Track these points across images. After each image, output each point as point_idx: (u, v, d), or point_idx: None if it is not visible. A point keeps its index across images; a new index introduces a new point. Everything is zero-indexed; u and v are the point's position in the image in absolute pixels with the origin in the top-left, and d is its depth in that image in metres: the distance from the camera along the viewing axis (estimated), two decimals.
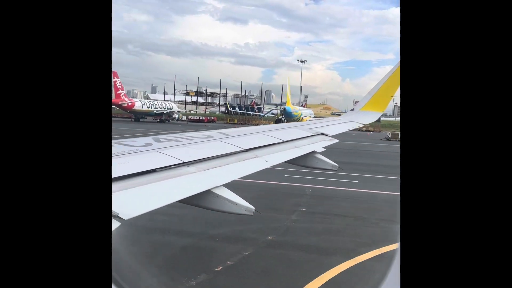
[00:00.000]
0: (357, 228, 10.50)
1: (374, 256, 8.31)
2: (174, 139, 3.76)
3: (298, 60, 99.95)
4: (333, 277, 7.34)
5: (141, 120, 68.13)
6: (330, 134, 6.22)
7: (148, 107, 67.73)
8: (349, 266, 7.84)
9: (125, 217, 2.15)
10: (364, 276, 7.62)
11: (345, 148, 29.92)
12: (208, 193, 2.91)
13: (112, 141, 3.19)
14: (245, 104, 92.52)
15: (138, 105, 67.10)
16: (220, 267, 7.47)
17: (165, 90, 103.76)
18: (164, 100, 79.64)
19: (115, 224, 2.09)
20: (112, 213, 2.10)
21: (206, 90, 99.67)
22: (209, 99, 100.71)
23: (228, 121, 74.93)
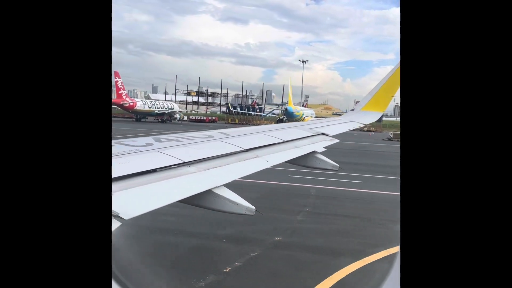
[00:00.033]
0: (364, 229, 10.47)
1: (382, 257, 8.27)
2: (175, 139, 3.76)
3: (299, 60, 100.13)
4: (342, 278, 7.31)
5: (142, 120, 68.23)
6: (331, 134, 6.21)
7: (150, 107, 67.82)
8: (358, 267, 7.81)
9: (126, 217, 2.14)
10: (374, 277, 7.60)
11: (348, 148, 29.95)
12: (208, 193, 2.91)
13: (113, 141, 3.20)
14: (246, 104, 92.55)
15: (140, 105, 67.20)
16: (228, 268, 7.45)
17: (166, 90, 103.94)
18: (165, 100, 79.74)
19: (115, 224, 2.09)
20: (113, 213, 2.09)
21: (207, 90, 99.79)
22: (210, 99, 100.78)
23: (230, 121, 74.97)
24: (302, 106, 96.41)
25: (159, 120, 68.83)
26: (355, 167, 20.24)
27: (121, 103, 63.65)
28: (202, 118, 78.05)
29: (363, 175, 18.31)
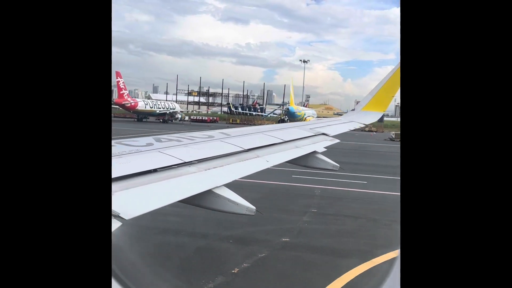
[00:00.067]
0: (370, 229, 10.43)
1: (391, 259, 8.20)
2: (175, 139, 3.77)
3: (301, 60, 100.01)
4: (352, 279, 7.27)
5: (144, 120, 68.30)
6: (331, 134, 6.21)
7: (151, 107, 67.88)
8: (367, 268, 7.77)
9: (126, 217, 2.14)
10: (384, 278, 7.53)
11: (350, 149, 29.92)
12: (209, 193, 2.91)
13: (113, 141, 3.20)
14: (248, 104, 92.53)
15: (141, 105, 67.27)
16: (236, 269, 7.43)
17: (167, 90, 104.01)
18: (166, 100, 79.81)
19: (116, 224, 2.09)
20: (113, 213, 2.09)
21: (208, 90, 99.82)
22: (210, 99, 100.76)
23: (231, 121, 74.95)
24: (304, 106, 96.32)
25: (161, 120, 68.90)
26: (359, 167, 20.22)
27: (123, 103, 63.72)
28: (203, 118, 78.09)
29: (367, 175, 18.28)
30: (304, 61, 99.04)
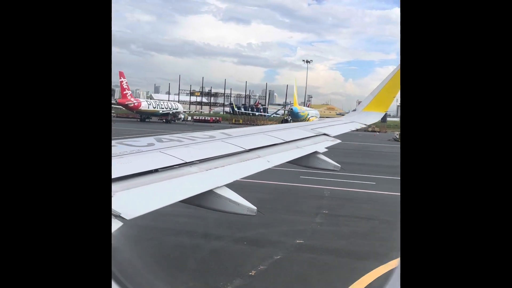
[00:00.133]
0: (384, 231, 10.34)
1: None
2: (176, 139, 3.77)
3: (303, 60, 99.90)
4: (371, 282, 7.19)
5: (146, 120, 68.45)
6: (333, 135, 6.20)
7: (154, 107, 68.00)
8: (385, 271, 7.66)
9: (127, 217, 2.15)
10: None
11: (355, 149, 29.82)
12: (210, 193, 2.92)
13: (115, 141, 3.21)
14: (250, 104, 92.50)
15: (144, 105, 67.41)
16: (253, 272, 7.39)
17: (169, 90, 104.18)
18: (169, 101, 79.96)
19: (117, 224, 2.09)
20: (114, 213, 2.10)
21: (211, 90, 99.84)
22: (212, 99, 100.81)
23: (234, 122, 74.95)
24: (306, 106, 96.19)
25: (164, 120, 69.01)
26: (366, 168, 20.20)
27: (126, 103, 63.89)
28: (206, 119, 78.16)
29: (375, 176, 18.20)
30: (307, 61, 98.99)
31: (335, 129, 6.73)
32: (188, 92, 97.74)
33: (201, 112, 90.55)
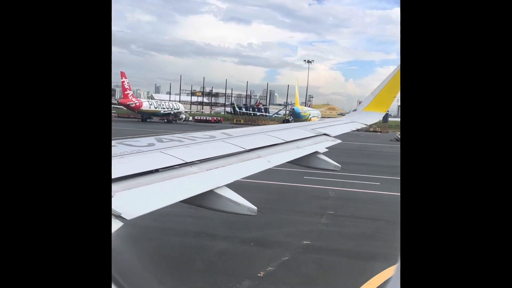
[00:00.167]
0: (391, 232, 10.24)
1: None
2: (177, 139, 3.78)
3: (304, 60, 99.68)
4: (382, 283, 7.12)
5: (148, 120, 68.52)
6: (333, 135, 6.21)
7: (156, 108, 68.05)
8: (394, 273, 7.60)
9: (128, 217, 2.15)
10: None
11: (357, 149, 29.76)
12: (210, 193, 2.92)
13: (115, 141, 3.21)
14: (251, 104, 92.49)
15: (146, 105, 67.46)
16: (262, 273, 7.35)
17: (170, 91, 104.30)
18: (170, 101, 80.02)
19: (118, 224, 2.09)
20: (115, 213, 2.10)
21: (212, 90, 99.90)
22: (213, 99, 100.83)
23: (235, 122, 74.94)
24: (308, 106, 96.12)
25: (165, 120, 69.08)
26: (371, 168, 20.19)
27: (128, 103, 63.96)
28: (207, 119, 78.17)
29: (379, 176, 18.16)
30: (308, 61, 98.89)
31: (335, 129, 6.74)
32: (188, 92, 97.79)
33: (202, 112, 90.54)
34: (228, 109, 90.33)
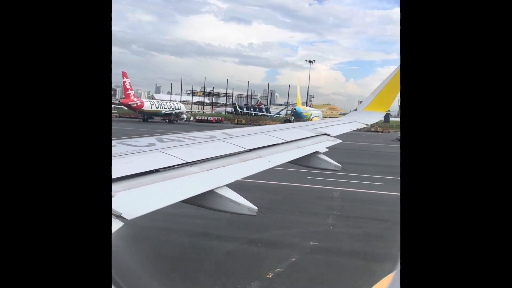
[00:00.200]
0: (398, 233, 10.20)
1: None
2: (177, 139, 3.79)
3: (306, 60, 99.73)
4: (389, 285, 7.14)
5: (149, 120, 68.60)
6: (333, 135, 6.21)
7: (157, 108, 68.10)
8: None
9: (128, 217, 2.15)
10: None
11: (360, 150, 29.71)
12: (211, 193, 2.93)
13: (115, 141, 3.22)
14: (252, 104, 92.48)
15: (147, 105, 67.51)
16: (271, 274, 7.33)
17: (171, 91, 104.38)
18: (171, 101, 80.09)
19: (118, 224, 2.09)
20: (116, 213, 2.10)
21: (213, 90, 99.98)
22: (214, 99, 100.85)
23: (236, 122, 74.93)
24: (309, 106, 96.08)
25: (166, 120, 69.14)
26: (374, 168, 20.18)
27: (129, 103, 64.02)
28: (208, 119, 78.20)
29: (383, 176, 18.11)
30: (310, 61, 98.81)
31: (336, 129, 6.73)
32: (189, 92, 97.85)
33: (203, 112, 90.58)
34: (229, 109, 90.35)
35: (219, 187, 2.99)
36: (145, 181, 2.65)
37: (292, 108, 75.45)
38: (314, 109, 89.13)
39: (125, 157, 2.92)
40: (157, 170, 2.88)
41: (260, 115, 79.08)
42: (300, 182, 15.59)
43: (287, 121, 65.36)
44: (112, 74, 1.54)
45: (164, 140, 3.69)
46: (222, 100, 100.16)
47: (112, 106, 69.81)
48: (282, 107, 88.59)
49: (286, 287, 7.00)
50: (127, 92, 64.84)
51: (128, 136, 4.02)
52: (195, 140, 3.95)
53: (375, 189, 15.43)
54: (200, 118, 78.49)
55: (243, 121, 74.77)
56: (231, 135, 4.53)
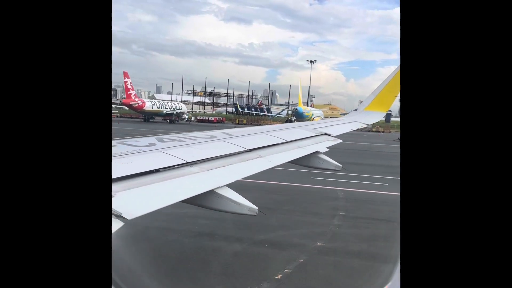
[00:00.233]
0: None
1: None
2: (178, 139, 3.79)
3: (307, 60, 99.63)
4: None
5: (150, 120, 68.65)
6: (334, 134, 6.22)
7: (158, 108, 68.12)
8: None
9: (129, 217, 2.15)
10: None
11: (362, 150, 29.67)
12: (211, 193, 2.93)
13: (116, 141, 3.22)
14: (253, 104, 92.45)
15: (149, 105, 67.54)
16: (279, 275, 7.30)
17: (171, 91, 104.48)
18: (173, 101, 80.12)
19: (118, 224, 2.09)
20: (116, 213, 2.10)
21: (214, 90, 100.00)
22: (214, 99, 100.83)
23: (237, 122, 74.91)
24: (310, 106, 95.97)
25: (167, 120, 69.17)
26: (377, 168, 20.15)
27: (130, 103, 64.05)
28: (209, 119, 78.20)
29: (386, 177, 18.04)
30: (311, 61, 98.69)
31: (336, 128, 6.73)
32: (189, 92, 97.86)
33: (204, 112, 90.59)
34: (230, 109, 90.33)
35: (219, 187, 3.00)
36: (145, 181, 2.66)
37: (294, 108, 75.39)
38: (316, 109, 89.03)
39: (125, 157, 2.93)
40: (157, 170, 2.88)
41: (262, 115, 79.03)
42: (304, 183, 15.58)
43: (288, 121, 65.25)
44: (112, 74, 1.54)
45: (165, 140, 3.69)
46: (222, 100, 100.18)
47: (113, 106, 69.98)
48: (284, 107, 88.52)
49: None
50: (129, 92, 64.89)
51: (130, 136, 4.02)
52: (196, 140, 3.95)
53: (380, 190, 15.37)
54: (201, 118, 78.48)
55: (244, 121, 74.71)
56: (232, 135, 4.53)
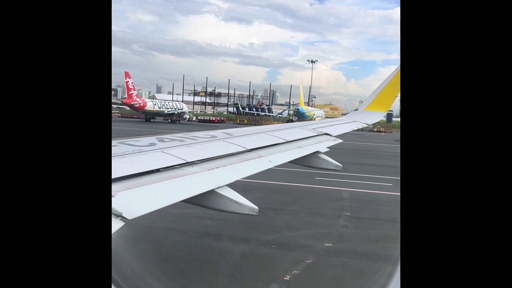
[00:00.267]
0: None
1: None
2: (178, 139, 3.79)
3: (308, 60, 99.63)
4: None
5: (151, 120, 68.73)
6: (334, 134, 6.22)
7: (160, 108, 68.19)
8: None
9: (129, 217, 2.16)
10: None
11: (364, 150, 29.43)
12: (211, 193, 2.93)
13: (116, 141, 3.23)
14: (254, 104, 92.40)
15: (150, 105, 67.61)
16: (288, 276, 7.27)
17: (172, 91, 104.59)
18: (173, 101, 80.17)
19: (119, 224, 2.09)
20: (116, 213, 2.11)
21: (215, 90, 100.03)
22: (215, 99, 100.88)
23: (238, 122, 74.91)
24: (311, 106, 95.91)
25: (169, 120, 69.23)
26: (380, 168, 20.07)
27: (132, 103, 64.14)
28: (211, 119, 78.26)
29: (390, 177, 18.05)
30: (312, 61, 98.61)
31: (336, 128, 6.73)
32: (190, 92, 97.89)
33: (205, 112, 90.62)
34: (231, 109, 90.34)
35: (219, 187, 3.00)
36: (146, 181, 2.66)
37: (295, 108, 75.33)
38: (317, 109, 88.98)
39: (126, 157, 2.93)
40: (157, 170, 2.89)
41: (263, 115, 79.01)
42: (308, 183, 15.55)
43: (290, 121, 65.20)
44: (113, 74, 1.55)
45: (165, 140, 3.70)
46: (223, 100, 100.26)
47: (115, 106, 70.05)
48: (285, 107, 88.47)
49: None
50: (130, 92, 64.95)
51: (131, 136, 4.01)
52: (196, 140, 3.95)
53: (384, 190, 15.31)
54: (202, 118, 78.52)
55: (245, 121, 74.71)
56: (232, 135, 4.53)
